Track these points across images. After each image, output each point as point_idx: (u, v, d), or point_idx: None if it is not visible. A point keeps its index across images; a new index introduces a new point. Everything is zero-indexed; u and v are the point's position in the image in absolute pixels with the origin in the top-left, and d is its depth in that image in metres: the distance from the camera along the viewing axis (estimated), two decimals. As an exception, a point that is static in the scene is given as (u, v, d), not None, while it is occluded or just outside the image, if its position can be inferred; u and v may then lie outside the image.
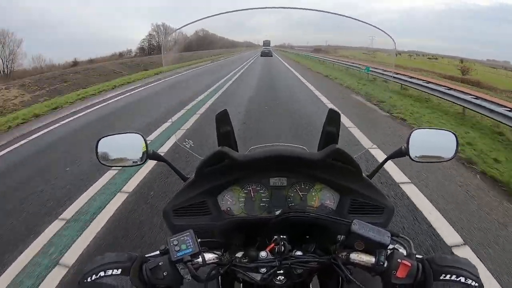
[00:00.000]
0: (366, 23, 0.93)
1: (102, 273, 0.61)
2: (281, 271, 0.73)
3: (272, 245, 0.76)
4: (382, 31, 0.93)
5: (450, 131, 0.93)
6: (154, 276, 0.64)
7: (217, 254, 0.71)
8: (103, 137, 0.94)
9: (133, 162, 0.93)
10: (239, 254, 0.77)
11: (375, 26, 0.92)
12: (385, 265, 0.65)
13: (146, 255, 0.71)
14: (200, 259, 0.67)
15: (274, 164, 0.87)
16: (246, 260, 0.74)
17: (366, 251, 0.67)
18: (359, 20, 0.93)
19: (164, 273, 0.64)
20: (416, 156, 0.91)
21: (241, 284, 0.97)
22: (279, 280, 0.74)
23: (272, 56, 26.79)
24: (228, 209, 0.88)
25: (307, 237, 0.85)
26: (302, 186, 0.89)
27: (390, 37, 0.94)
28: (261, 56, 26.56)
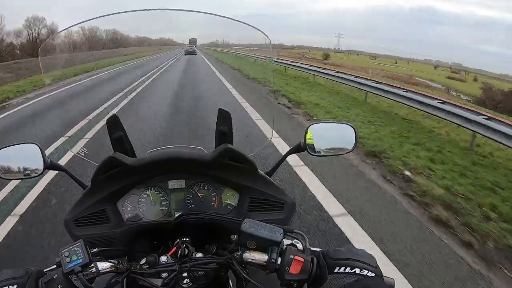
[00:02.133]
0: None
1: None
2: (185, 275, 0.74)
3: (174, 248, 0.76)
4: (260, 30, 0.99)
5: (348, 124, 0.97)
6: None
7: (113, 263, 0.70)
8: (0, 148, 0.89)
9: (32, 172, 0.89)
10: (143, 261, 0.76)
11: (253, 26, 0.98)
12: (279, 262, 0.65)
13: (44, 270, 0.69)
14: (94, 269, 0.66)
15: (170, 167, 0.87)
16: (147, 266, 0.74)
17: (259, 249, 0.68)
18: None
19: (59, 286, 0.63)
20: (315, 151, 0.94)
21: None
22: (186, 284, 0.74)
23: (196, 54, 25.06)
24: (129, 215, 0.88)
25: (208, 238, 0.86)
26: (201, 187, 0.90)
27: (266, 35, 0.99)
28: (185, 54, 24.57)
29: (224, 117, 0.96)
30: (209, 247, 0.82)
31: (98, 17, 0.95)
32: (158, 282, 0.73)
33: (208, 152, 0.90)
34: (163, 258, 0.74)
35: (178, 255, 0.75)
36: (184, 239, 0.78)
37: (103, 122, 5.43)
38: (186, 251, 0.75)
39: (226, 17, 0.97)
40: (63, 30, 0.95)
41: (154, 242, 0.87)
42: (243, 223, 0.68)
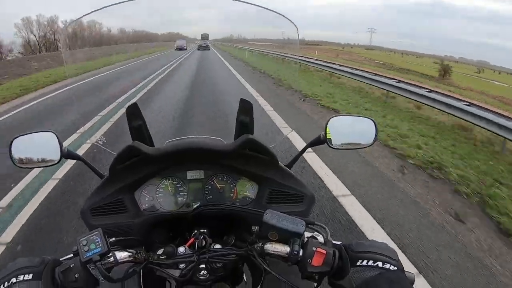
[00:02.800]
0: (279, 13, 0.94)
1: (14, 279, 0.59)
2: (203, 266, 0.73)
3: (192, 239, 0.75)
4: (287, 18, 0.95)
5: (369, 118, 0.96)
6: (66, 279, 0.62)
7: (131, 252, 0.69)
8: (17, 137, 0.88)
9: (48, 161, 0.89)
10: (160, 251, 0.76)
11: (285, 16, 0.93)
12: (301, 254, 0.64)
13: (60, 258, 0.69)
14: (112, 259, 0.65)
15: (189, 157, 0.86)
16: (164, 257, 0.73)
17: (281, 240, 0.67)
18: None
19: (76, 275, 0.62)
20: (335, 144, 0.92)
21: (174, 283, 0.96)
22: (203, 275, 0.73)
23: (209, 49, 25.13)
24: (146, 205, 0.87)
25: (226, 230, 0.85)
26: (220, 178, 0.89)
27: (294, 24, 0.95)
28: (198, 50, 24.63)
29: (245, 107, 0.94)
30: (227, 239, 0.81)
31: (117, 3, 0.93)
32: (176, 273, 0.72)
33: (226, 143, 0.88)
34: (181, 249, 0.74)
35: (196, 246, 0.74)
36: (202, 230, 0.77)
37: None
38: (204, 242, 0.74)
39: (248, 2, 0.94)
40: (82, 17, 0.94)
41: (170, 233, 0.86)
42: (265, 214, 0.67)
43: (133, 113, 0.92)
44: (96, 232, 0.65)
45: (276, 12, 0.93)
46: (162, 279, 0.90)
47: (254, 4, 0.93)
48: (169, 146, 0.84)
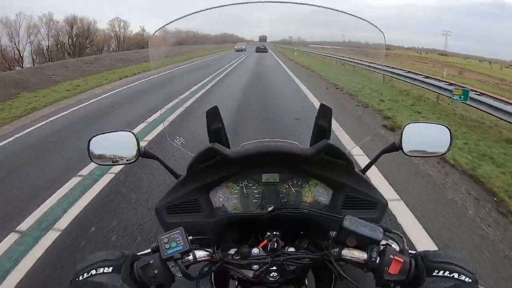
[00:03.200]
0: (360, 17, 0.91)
1: (93, 271, 0.62)
2: (274, 268, 0.72)
3: (265, 241, 0.75)
4: (374, 26, 0.91)
5: (444, 125, 0.92)
6: (145, 274, 0.64)
7: (208, 252, 0.71)
8: (95, 135, 0.93)
9: (126, 160, 0.92)
10: (232, 251, 0.77)
11: (369, 22, 0.90)
12: (378, 261, 0.64)
13: (138, 253, 0.71)
14: (191, 257, 0.67)
15: (266, 160, 0.87)
16: (238, 257, 0.74)
17: (358, 247, 0.67)
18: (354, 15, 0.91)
19: (155, 271, 0.64)
20: (409, 151, 0.90)
21: (236, 282, 0.97)
22: (273, 277, 0.73)
23: (267, 52, 24.83)
24: (221, 205, 0.88)
25: (301, 233, 0.85)
26: (295, 182, 0.89)
27: (381, 30, 0.92)
28: (256, 52, 24.46)
29: (325, 113, 0.94)
30: (299, 242, 0.81)
31: (199, 11, 0.96)
32: (249, 273, 0.72)
33: (302, 147, 0.88)
34: (255, 250, 0.74)
35: (268, 248, 0.74)
36: (275, 232, 0.77)
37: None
38: (276, 244, 0.74)
39: (329, 8, 0.93)
40: (169, 23, 1.01)
41: (243, 234, 0.86)
42: (344, 220, 0.67)
43: (213, 116, 0.94)
44: (178, 231, 0.67)
45: (363, 19, 0.91)
46: (228, 278, 0.91)
47: (326, 7, 0.92)
48: (249, 149, 0.85)
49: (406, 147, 0.89)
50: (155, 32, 1.01)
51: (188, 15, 0.93)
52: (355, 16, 0.91)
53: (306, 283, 0.89)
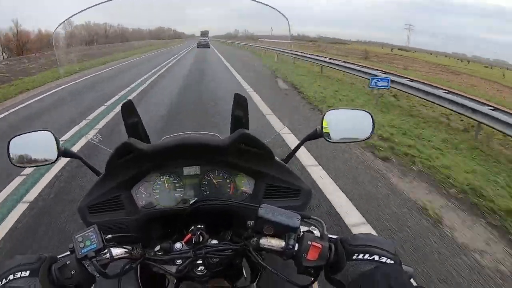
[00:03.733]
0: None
1: (11, 277, 0.59)
2: (200, 262, 0.73)
3: (189, 235, 0.75)
4: (276, 10, 0.92)
5: (366, 111, 0.95)
6: (62, 276, 0.62)
7: (127, 249, 0.70)
8: (14, 137, 0.89)
9: (46, 160, 0.90)
10: (157, 248, 0.76)
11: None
12: (296, 248, 0.64)
13: (58, 256, 0.69)
14: (107, 255, 0.66)
15: (185, 153, 0.86)
16: (161, 253, 0.73)
17: (276, 235, 0.67)
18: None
19: (72, 272, 0.62)
20: (331, 138, 0.92)
21: (167, 280, 0.96)
22: (200, 271, 0.73)
23: (209, 47, 22.89)
24: (143, 202, 0.87)
25: (223, 225, 0.85)
26: (216, 174, 0.89)
27: (284, 16, 0.94)
28: (198, 47, 22.80)
29: (240, 102, 0.94)
30: (223, 234, 0.81)
31: (105, 1, 0.91)
32: (173, 269, 0.72)
33: (222, 138, 0.88)
34: (178, 245, 0.74)
35: (193, 242, 0.74)
36: (199, 226, 0.77)
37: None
38: (201, 238, 0.75)
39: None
40: (73, 16, 0.91)
41: (168, 229, 0.86)
42: (259, 208, 0.67)
43: (128, 110, 0.92)
44: (92, 229, 0.66)
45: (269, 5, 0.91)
46: (160, 275, 0.90)
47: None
48: (164, 142, 0.84)
49: (328, 134, 0.91)
50: (58, 26, 0.95)
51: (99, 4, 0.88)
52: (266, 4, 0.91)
53: (245, 274, 0.90)
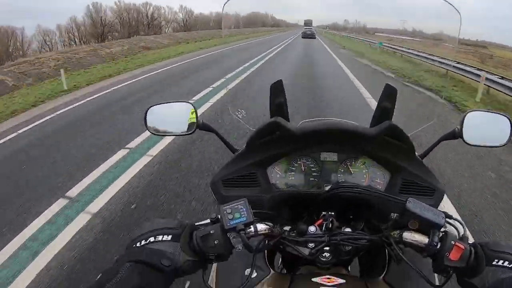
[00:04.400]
0: None
1: (152, 239, 0.61)
2: (328, 248, 0.74)
3: (321, 220, 0.77)
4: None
5: (505, 115, 0.90)
6: (204, 244, 0.63)
7: (268, 225, 0.71)
8: (153, 105, 0.94)
9: (182, 131, 0.94)
10: (287, 228, 0.78)
11: None
12: (438, 246, 0.63)
13: (196, 223, 0.71)
14: (252, 229, 0.66)
15: (326, 138, 0.86)
16: (295, 234, 0.75)
17: (420, 230, 0.66)
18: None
19: (215, 242, 0.63)
20: (469, 140, 0.88)
21: (280, 258, 0.99)
22: (325, 257, 0.75)
23: (314, 38, 22.04)
24: (278, 182, 0.89)
25: (356, 215, 0.85)
26: (353, 163, 0.89)
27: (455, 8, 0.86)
28: (302, 37, 22.17)
29: (389, 94, 0.92)
30: (355, 224, 0.82)
31: None
32: (305, 251, 0.73)
33: (364, 127, 0.87)
34: (312, 228, 0.75)
35: (324, 228, 0.75)
36: (331, 212, 0.78)
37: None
38: (331, 225, 0.75)
39: None
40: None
41: (297, 212, 0.88)
42: (407, 202, 0.66)
43: (277, 90, 0.93)
44: (242, 202, 0.67)
45: None
46: (275, 254, 0.93)
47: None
48: (311, 126, 0.85)
49: (466, 135, 0.87)
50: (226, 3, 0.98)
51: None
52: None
53: (349, 269, 0.90)
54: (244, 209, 0.66)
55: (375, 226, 0.78)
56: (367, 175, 0.89)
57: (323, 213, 0.79)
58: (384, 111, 0.91)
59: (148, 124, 0.95)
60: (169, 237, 0.62)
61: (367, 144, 0.85)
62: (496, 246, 0.62)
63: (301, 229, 0.75)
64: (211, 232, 0.64)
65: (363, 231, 0.77)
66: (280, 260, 1.00)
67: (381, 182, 0.88)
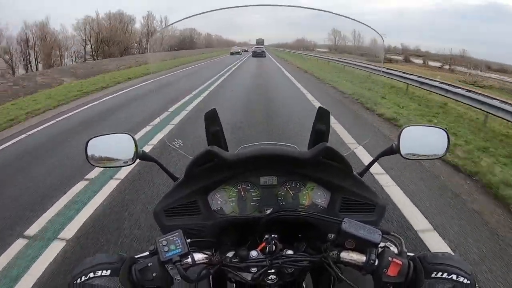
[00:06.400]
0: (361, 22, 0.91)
1: (91, 274, 0.62)
2: (273, 271, 0.73)
3: (263, 244, 0.76)
4: (371, 27, 0.91)
5: (441, 128, 0.93)
6: (143, 277, 0.64)
7: (206, 254, 0.71)
8: (92, 138, 0.93)
9: (123, 162, 0.92)
10: (230, 254, 0.77)
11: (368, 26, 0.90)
12: (376, 263, 0.64)
13: (136, 256, 0.71)
14: (189, 259, 0.68)
15: (264, 163, 0.87)
16: (236, 260, 0.74)
17: (357, 249, 0.67)
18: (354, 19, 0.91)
19: (153, 274, 0.64)
20: (407, 154, 0.90)
21: (234, 285, 0.96)
22: (271, 280, 0.74)
23: (265, 56, 22.12)
24: (219, 208, 0.88)
25: (299, 236, 0.85)
26: (293, 185, 0.89)
27: (378, 33, 0.93)
28: (253, 56, 21.99)
29: (322, 116, 0.94)
30: (298, 245, 0.81)
31: (204, 12, 0.95)
32: (247, 276, 0.73)
33: (300, 150, 0.88)
34: (253, 253, 0.74)
35: (267, 251, 0.74)
36: (273, 235, 0.77)
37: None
38: (274, 247, 0.74)
39: (332, 12, 0.93)
40: (170, 25, 1.02)
41: (240, 237, 0.87)
42: (343, 222, 0.68)
43: (212, 118, 0.94)
44: (177, 233, 0.68)
45: (362, 23, 0.91)
46: (226, 280, 0.90)
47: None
48: (247, 152, 0.85)
49: (404, 150, 0.89)
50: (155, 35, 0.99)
51: (185, 18, 0.92)
52: (357, 20, 0.91)
53: (304, 286, 0.90)
54: (179, 241, 0.67)
55: (317, 247, 0.77)
56: (308, 196, 0.89)
57: (266, 236, 0.78)
58: (318, 133, 0.94)
59: (88, 155, 0.93)
60: (108, 272, 0.62)
61: (304, 167, 0.85)
62: (434, 258, 0.63)
63: (242, 254, 0.73)
64: (149, 264, 0.65)
65: (305, 252, 0.77)
66: (234, 286, 0.97)
67: (322, 202, 0.88)
